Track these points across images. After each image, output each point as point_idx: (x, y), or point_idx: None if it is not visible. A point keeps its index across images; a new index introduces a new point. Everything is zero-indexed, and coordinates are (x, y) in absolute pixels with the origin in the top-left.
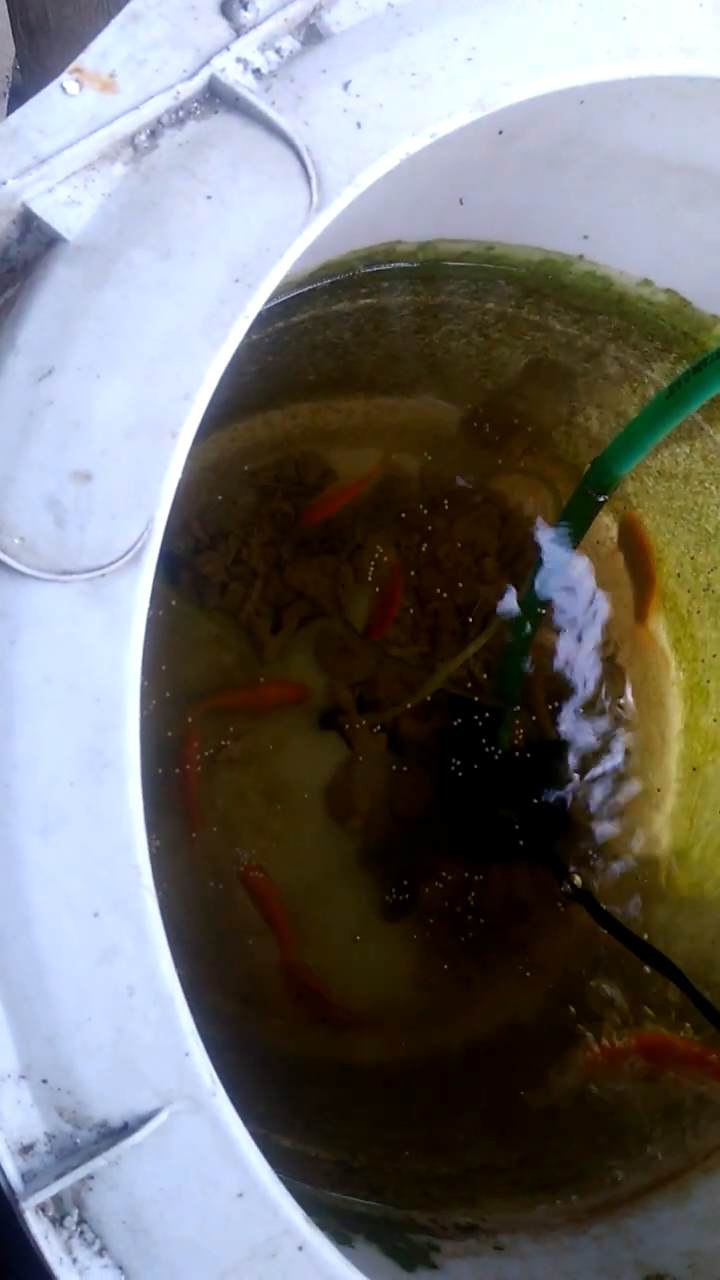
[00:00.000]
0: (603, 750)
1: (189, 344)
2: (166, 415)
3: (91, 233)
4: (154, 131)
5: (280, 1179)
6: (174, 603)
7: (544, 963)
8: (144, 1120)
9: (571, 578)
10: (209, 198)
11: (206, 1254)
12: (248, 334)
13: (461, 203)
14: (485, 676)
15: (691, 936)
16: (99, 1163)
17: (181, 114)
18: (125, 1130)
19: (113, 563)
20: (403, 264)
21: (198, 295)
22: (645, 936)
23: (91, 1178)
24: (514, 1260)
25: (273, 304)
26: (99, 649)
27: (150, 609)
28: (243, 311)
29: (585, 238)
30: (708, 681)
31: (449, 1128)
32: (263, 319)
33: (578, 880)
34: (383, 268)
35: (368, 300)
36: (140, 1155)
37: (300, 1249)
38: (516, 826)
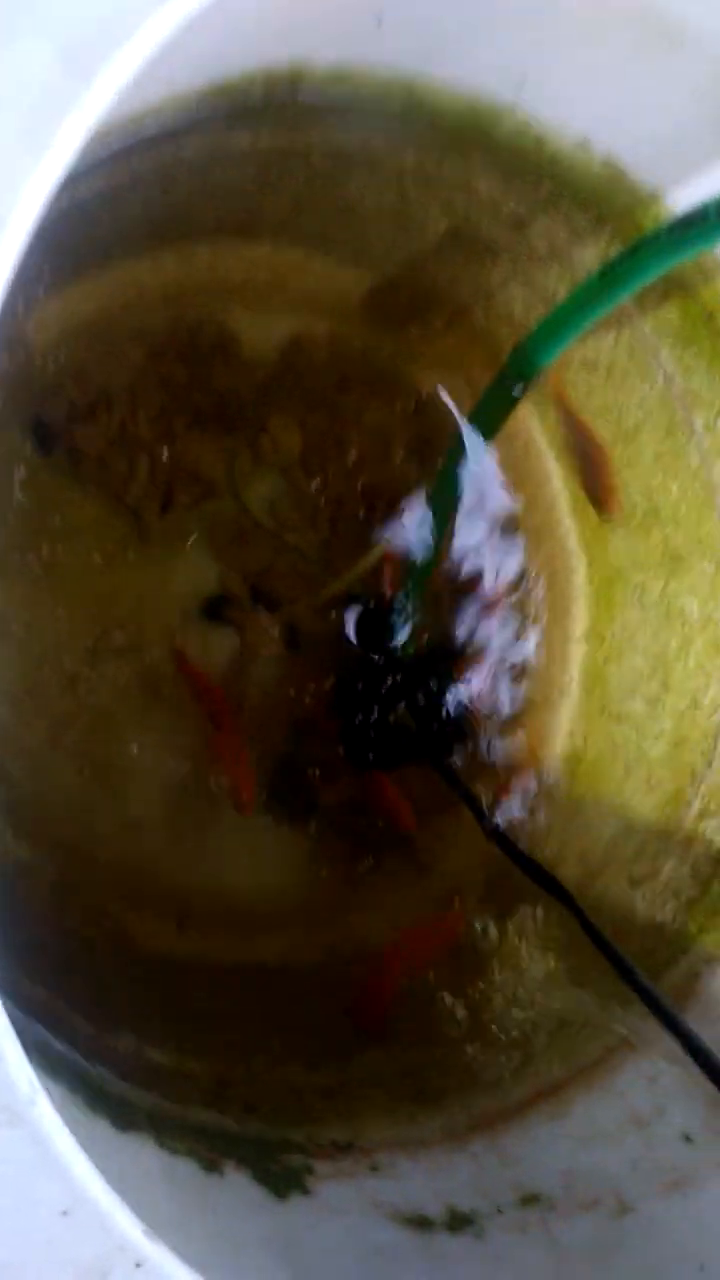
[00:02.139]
0: (505, 653)
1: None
2: None
3: None
4: None
5: (148, 1098)
6: (58, 486)
7: (436, 868)
8: None
9: (484, 473)
10: None
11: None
12: (129, 162)
13: (380, 24)
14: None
15: (583, 846)
16: None
17: None
18: None
19: None
20: (310, 99)
21: (15, 88)
22: (541, 838)
23: None
24: (389, 1181)
25: (157, 129)
26: None
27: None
28: (78, 111)
29: (521, 84)
30: (614, 586)
31: (333, 1036)
32: (148, 144)
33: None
34: (287, 100)
35: (271, 138)
36: None
37: (138, 1266)
38: (411, 732)
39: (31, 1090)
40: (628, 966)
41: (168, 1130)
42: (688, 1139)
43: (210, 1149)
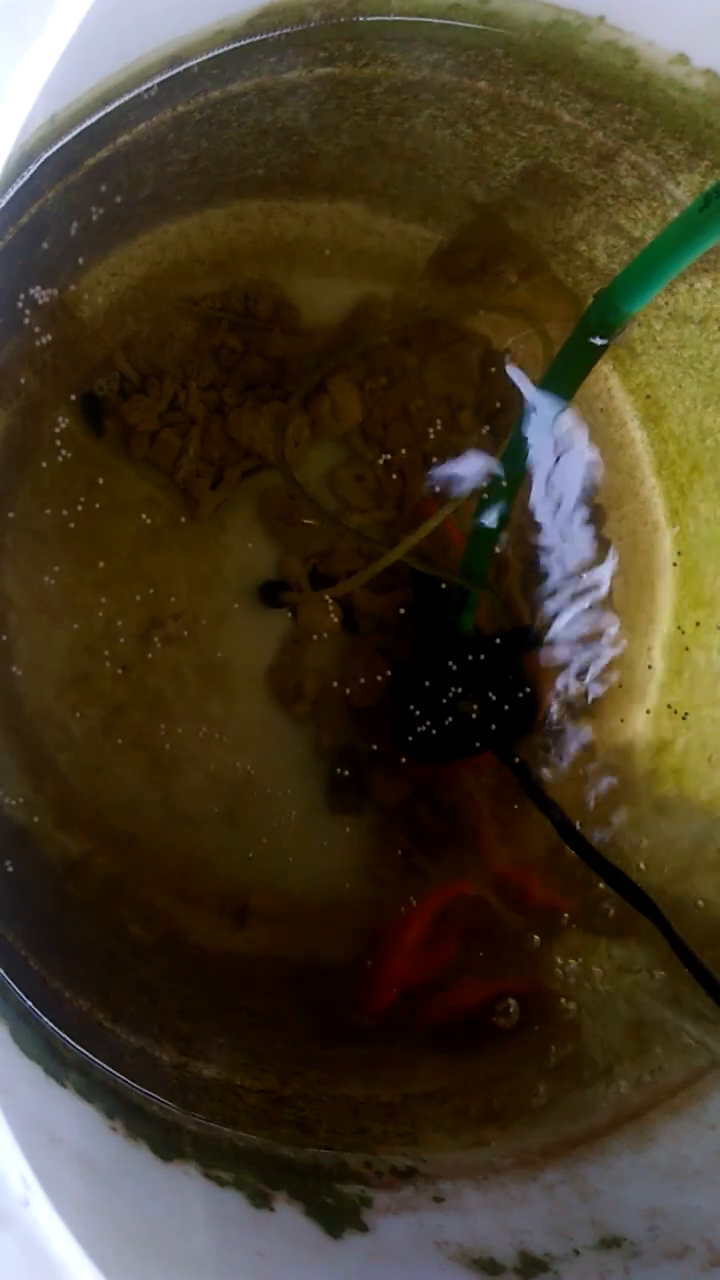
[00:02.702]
0: (582, 635)
1: None
2: None
3: None
4: None
5: (197, 1121)
6: (107, 463)
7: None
8: None
9: (560, 437)
10: None
11: None
12: (173, 105)
13: None
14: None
15: (665, 840)
16: None
17: None
18: None
19: None
20: (371, 17)
21: None
22: (621, 836)
23: None
24: (454, 1216)
25: (200, 59)
26: None
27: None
28: None
29: None
30: (705, 560)
31: (393, 1043)
32: (188, 83)
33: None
34: (346, 21)
35: (328, 69)
36: None
37: None
38: (474, 720)
39: (25, 1188)
40: (709, 975)
41: (214, 1156)
42: None
43: (260, 1178)
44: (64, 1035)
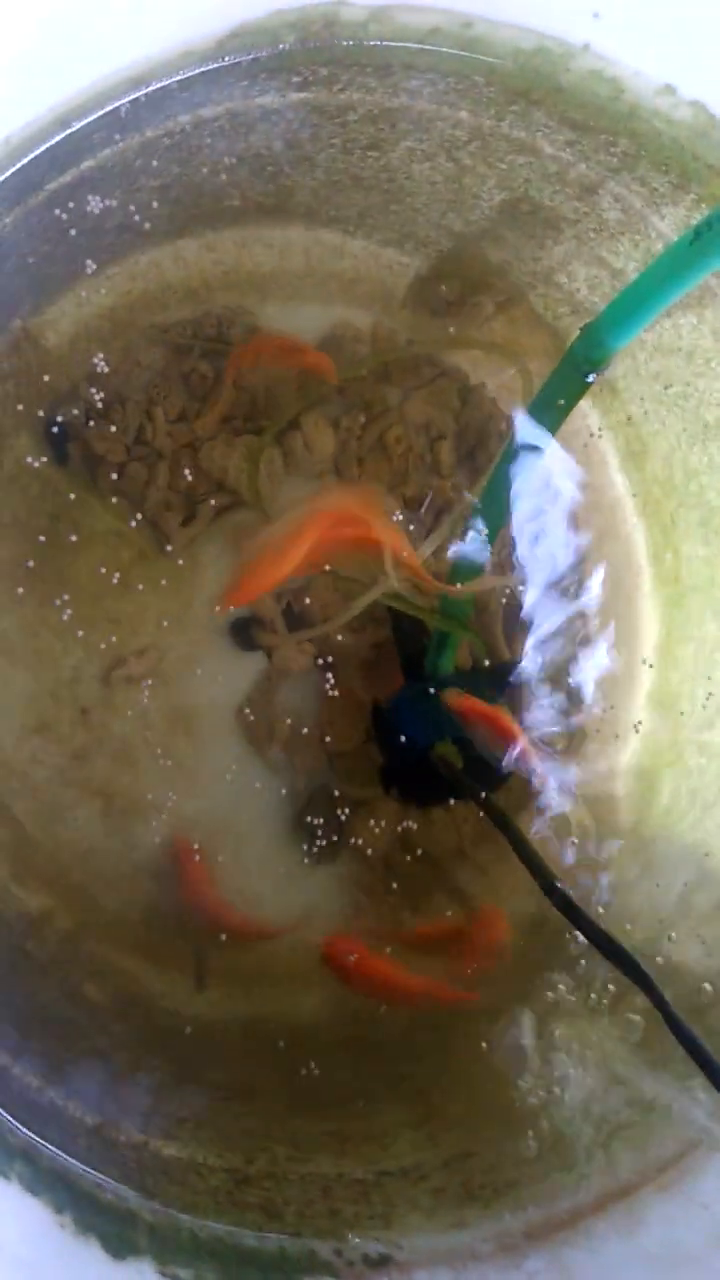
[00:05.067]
0: (563, 673)
1: None
2: None
3: None
4: None
5: (154, 1209)
6: (72, 496)
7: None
8: None
9: (541, 475)
10: None
11: None
12: (140, 130)
13: None
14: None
15: (650, 894)
16: None
17: None
18: None
19: None
20: (347, 41)
21: None
22: (605, 885)
23: None
24: None
25: (167, 82)
26: None
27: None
28: None
29: (595, 16)
30: (690, 598)
31: (369, 1113)
32: (156, 106)
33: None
34: (321, 46)
35: (302, 94)
36: None
37: None
38: (457, 767)
39: None
40: (703, 1051)
41: (171, 1250)
42: None
43: (220, 1273)
44: (11, 1118)
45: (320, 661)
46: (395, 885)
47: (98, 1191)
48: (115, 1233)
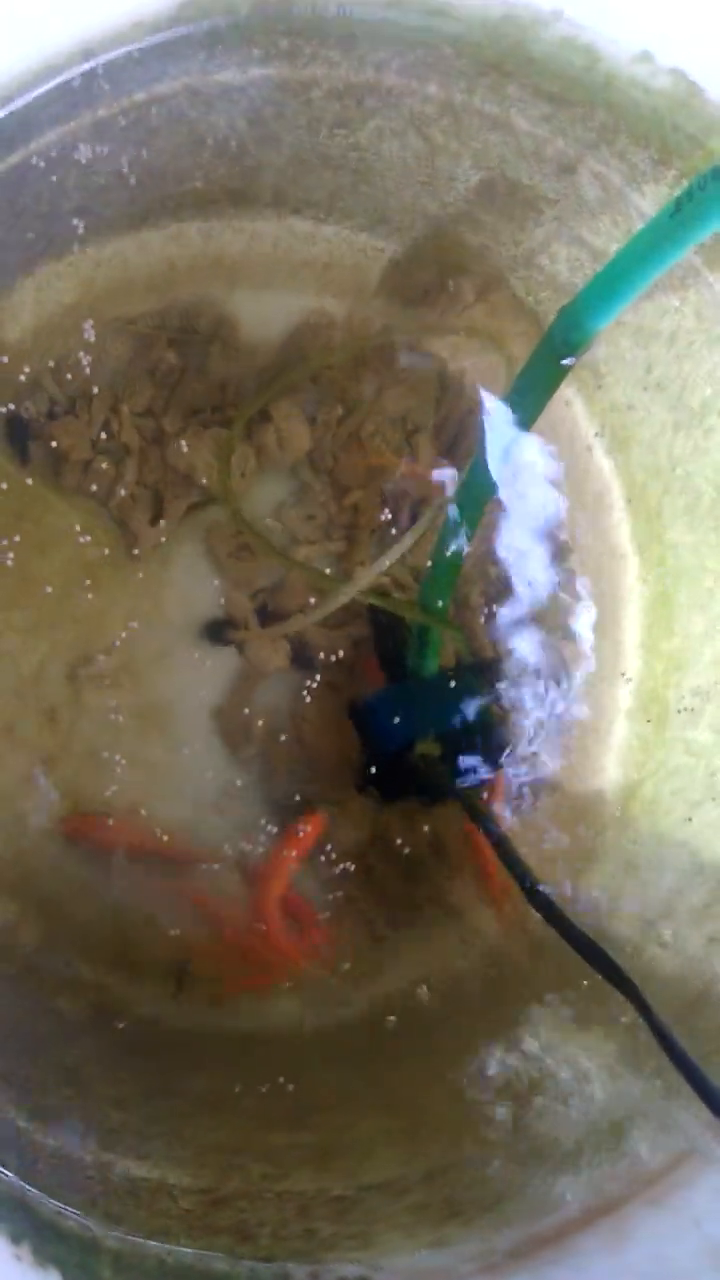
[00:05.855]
0: (548, 673)
1: None
2: None
3: None
4: None
5: (119, 1237)
6: (29, 481)
7: (469, 917)
8: None
9: (522, 464)
10: None
11: None
12: (92, 107)
13: None
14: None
15: (637, 898)
16: None
17: None
18: None
19: None
20: (307, 11)
21: None
22: (590, 888)
23: None
24: None
25: (119, 52)
26: None
27: None
28: None
29: None
30: (676, 590)
31: (350, 1124)
32: (111, 75)
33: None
34: (279, 15)
35: (263, 70)
36: None
37: None
38: (438, 766)
39: None
40: (686, 1058)
41: (137, 1278)
42: None
43: None
44: None
45: (297, 660)
46: (375, 887)
47: (59, 1220)
48: (77, 1261)
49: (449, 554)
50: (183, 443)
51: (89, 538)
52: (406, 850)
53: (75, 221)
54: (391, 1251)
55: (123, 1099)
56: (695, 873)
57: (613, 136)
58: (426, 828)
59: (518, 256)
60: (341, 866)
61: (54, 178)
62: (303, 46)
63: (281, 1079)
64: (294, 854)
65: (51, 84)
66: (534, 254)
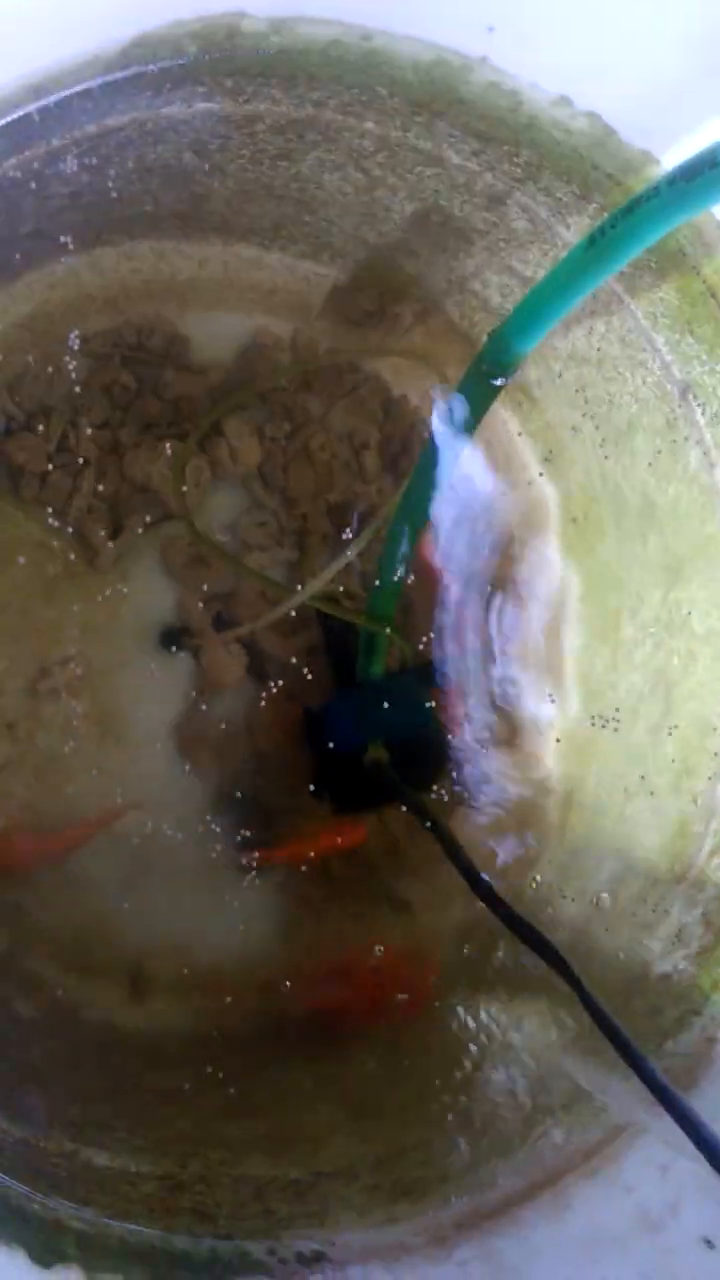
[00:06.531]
0: (487, 671)
1: None
2: None
3: None
4: None
5: (84, 1218)
6: None
7: (420, 915)
8: None
9: (460, 476)
10: None
11: None
12: (46, 138)
13: None
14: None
15: (579, 888)
16: None
17: None
18: None
19: None
20: (250, 53)
21: None
22: (536, 880)
23: None
24: None
25: (69, 91)
26: None
27: None
28: None
29: (490, 30)
30: (608, 597)
31: (302, 1115)
32: (61, 114)
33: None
34: (224, 56)
35: (208, 105)
36: None
37: None
38: (386, 770)
39: None
40: (622, 1037)
41: (101, 1255)
42: (708, 1243)
43: (151, 1276)
44: None
45: (252, 669)
46: (332, 892)
47: (25, 1203)
48: (42, 1242)
49: (394, 562)
50: (138, 455)
51: (48, 551)
52: (362, 853)
53: (30, 242)
54: (345, 1229)
55: (83, 1094)
56: (628, 867)
57: (538, 172)
58: (379, 829)
59: (452, 283)
60: (299, 870)
61: (9, 200)
62: (245, 85)
63: (237, 1073)
64: (319, 848)
65: (3, 120)
66: (467, 281)
